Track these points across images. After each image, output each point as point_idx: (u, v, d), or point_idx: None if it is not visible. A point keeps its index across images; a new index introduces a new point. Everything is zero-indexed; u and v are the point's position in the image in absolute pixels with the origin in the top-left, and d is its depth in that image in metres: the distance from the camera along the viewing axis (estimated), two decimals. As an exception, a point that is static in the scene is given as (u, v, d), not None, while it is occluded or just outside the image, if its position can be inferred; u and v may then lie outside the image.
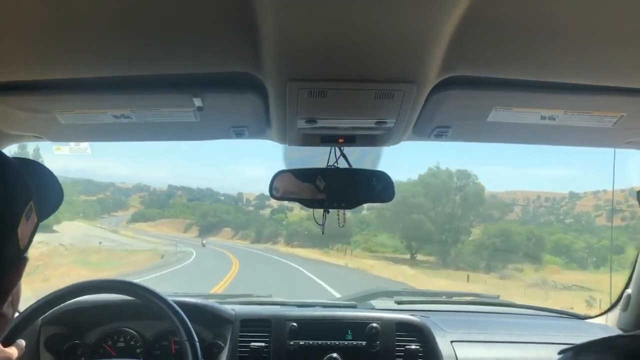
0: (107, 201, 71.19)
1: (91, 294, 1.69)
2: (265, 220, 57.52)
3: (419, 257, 41.63)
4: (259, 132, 1.63)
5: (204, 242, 41.71)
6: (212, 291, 10.32)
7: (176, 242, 40.50)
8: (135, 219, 69.21)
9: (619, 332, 2.02)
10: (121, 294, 1.66)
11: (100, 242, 34.63)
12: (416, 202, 43.71)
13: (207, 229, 63.67)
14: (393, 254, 42.39)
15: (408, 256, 41.60)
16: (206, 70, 1.26)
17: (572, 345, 0.72)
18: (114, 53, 1.15)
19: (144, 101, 1.41)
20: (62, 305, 1.74)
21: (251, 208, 62.61)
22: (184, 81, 1.33)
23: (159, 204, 71.87)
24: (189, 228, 66.16)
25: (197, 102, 1.37)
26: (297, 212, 52.28)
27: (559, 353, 0.74)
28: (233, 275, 18.98)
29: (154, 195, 75.14)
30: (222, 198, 68.80)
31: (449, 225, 43.63)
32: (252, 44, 1.08)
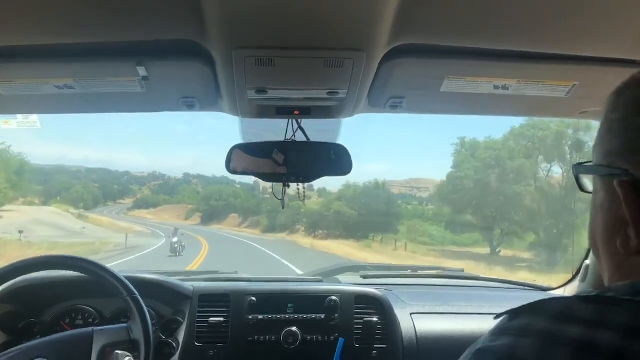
0: (112, 188, 69.13)
1: (30, 272, 1.63)
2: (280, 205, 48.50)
3: (504, 251, 26.53)
4: (209, 103, 1.60)
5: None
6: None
7: (126, 235, 28.70)
8: (137, 205, 65.34)
9: None
10: (61, 269, 1.64)
11: (20, 232, 24.92)
12: (517, 167, 27.03)
13: (211, 215, 53.95)
14: (461, 246, 28.56)
15: (487, 250, 27.20)
16: (149, 38, 1.22)
17: (507, 310, 0.72)
18: (52, 19, 1.11)
19: (87, 70, 1.36)
20: (13, 282, 1.70)
21: (267, 196, 51.51)
22: (127, 49, 1.29)
23: (168, 191, 68.37)
24: (191, 214, 56.61)
25: (142, 71, 1.33)
26: (315, 199, 42.08)
27: (495, 318, 0.73)
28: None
29: (168, 183, 72.95)
30: (239, 186, 60.57)
31: (564, 203, 24.81)
32: (195, 10, 1.05)
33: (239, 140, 1.76)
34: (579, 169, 0.82)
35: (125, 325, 1.58)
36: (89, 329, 1.55)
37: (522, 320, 0.68)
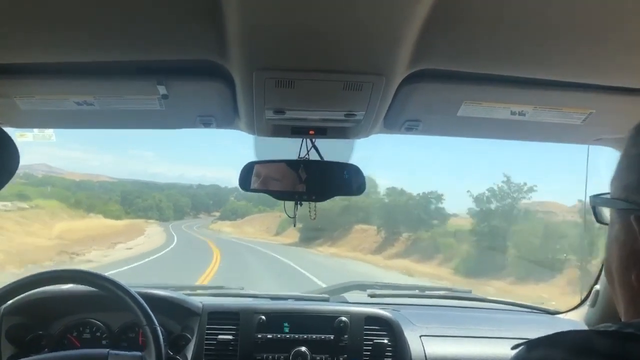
0: (206, 201, 68.20)
1: (49, 285, 1.64)
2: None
3: None
4: (226, 122, 1.61)
5: None
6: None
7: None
8: (224, 216, 58.57)
9: (584, 328, 2.04)
10: (80, 284, 1.64)
11: None
12: None
13: (317, 228, 29.36)
14: None
15: None
16: (170, 57, 1.24)
17: (524, 340, 0.73)
18: (75, 38, 1.12)
19: (107, 88, 1.38)
20: (24, 295, 1.70)
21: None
22: (148, 68, 1.30)
23: (269, 203, 63.39)
24: (286, 227, 34.40)
25: (162, 89, 1.34)
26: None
27: (512, 348, 0.74)
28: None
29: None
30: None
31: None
32: (217, 31, 1.06)
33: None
34: (596, 200, 0.83)
35: (139, 354, 1.57)
36: (104, 350, 1.54)
37: (540, 352, 0.68)
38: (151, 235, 32.79)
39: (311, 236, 30.40)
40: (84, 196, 44.18)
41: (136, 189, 55.86)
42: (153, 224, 42.43)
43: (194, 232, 38.21)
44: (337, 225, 29.21)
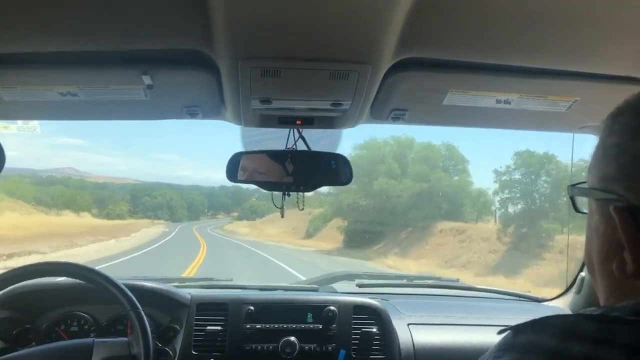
0: (224, 201, 67.29)
1: (33, 278, 1.63)
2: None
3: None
4: (213, 112, 1.60)
5: None
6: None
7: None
8: (243, 216, 56.37)
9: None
10: (65, 276, 1.63)
11: None
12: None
13: (375, 227, 21.47)
14: None
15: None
16: (155, 47, 1.22)
17: (510, 326, 0.73)
18: (58, 26, 1.11)
19: (92, 78, 1.36)
20: (9, 288, 1.68)
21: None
22: (133, 58, 1.29)
23: (296, 202, 60.29)
24: (319, 226, 27.65)
25: (147, 79, 1.33)
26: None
27: (498, 333, 0.74)
28: None
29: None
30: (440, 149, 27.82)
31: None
32: (202, 20, 1.06)
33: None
34: (573, 190, 0.83)
35: (126, 339, 1.57)
36: (90, 339, 1.54)
37: (526, 337, 0.68)
38: (126, 240, 28.17)
39: (363, 240, 20.76)
40: (88, 194, 43.69)
41: (146, 187, 54.85)
42: (159, 224, 39.65)
43: (205, 234, 32.81)
44: (404, 222, 19.61)
